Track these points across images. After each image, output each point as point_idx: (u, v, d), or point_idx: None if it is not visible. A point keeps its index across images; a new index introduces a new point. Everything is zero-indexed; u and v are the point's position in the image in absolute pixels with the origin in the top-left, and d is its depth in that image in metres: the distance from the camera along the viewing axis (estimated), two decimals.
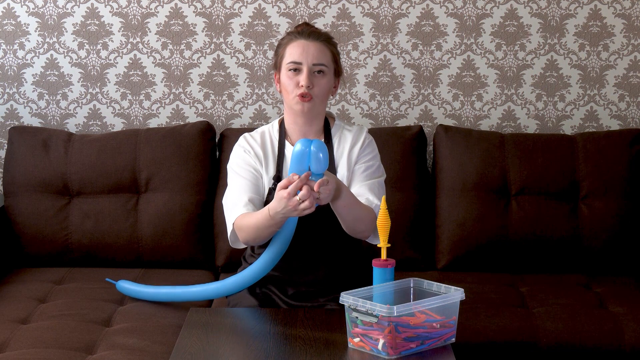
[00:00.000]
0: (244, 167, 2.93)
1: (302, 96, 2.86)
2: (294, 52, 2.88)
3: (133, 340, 2.91)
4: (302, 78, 2.86)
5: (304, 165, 2.62)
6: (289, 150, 2.94)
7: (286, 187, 2.61)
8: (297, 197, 2.60)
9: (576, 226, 3.65)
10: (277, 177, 2.90)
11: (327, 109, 2.99)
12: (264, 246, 2.93)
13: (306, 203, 2.60)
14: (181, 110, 3.93)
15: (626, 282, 3.56)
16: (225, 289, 2.90)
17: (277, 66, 2.94)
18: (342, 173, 2.91)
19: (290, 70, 2.88)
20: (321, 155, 2.61)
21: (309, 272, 2.91)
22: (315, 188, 2.60)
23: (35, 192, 3.68)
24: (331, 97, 2.99)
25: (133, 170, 3.69)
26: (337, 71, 2.94)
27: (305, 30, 2.92)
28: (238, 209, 2.85)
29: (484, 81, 3.93)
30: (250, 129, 3.45)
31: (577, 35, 3.90)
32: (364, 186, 2.88)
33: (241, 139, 2.98)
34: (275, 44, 3.88)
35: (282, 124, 2.98)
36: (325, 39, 2.92)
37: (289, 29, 3.86)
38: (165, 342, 2.88)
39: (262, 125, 3.77)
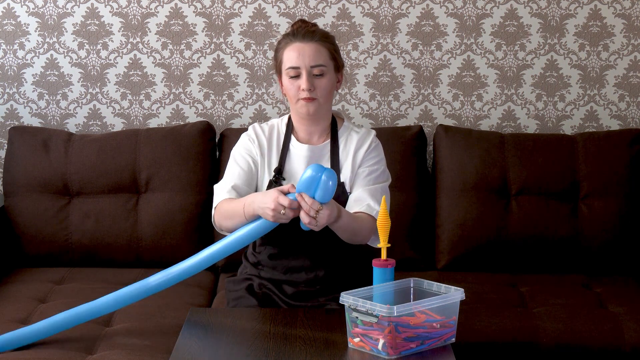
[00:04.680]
0: (243, 156, 2.94)
1: (305, 99, 2.86)
2: (291, 56, 2.87)
3: (133, 340, 2.91)
4: (302, 82, 2.85)
5: (311, 190, 2.60)
6: (293, 145, 2.94)
7: (285, 193, 2.63)
8: (283, 210, 2.61)
9: (576, 226, 3.65)
10: (278, 170, 2.91)
11: (333, 108, 2.99)
12: (263, 244, 2.93)
13: (284, 217, 2.61)
14: (181, 110, 3.93)
15: (626, 282, 3.56)
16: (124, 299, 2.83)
17: (278, 70, 2.94)
18: (345, 174, 2.91)
19: (290, 76, 2.87)
20: (331, 184, 2.59)
21: (309, 272, 2.91)
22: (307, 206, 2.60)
23: (35, 192, 3.68)
24: (336, 92, 2.98)
25: (133, 170, 3.69)
26: (338, 66, 2.93)
27: (300, 31, 2.90)
28: (222, 195, 2.88)
29: (484, 81, 3.93)
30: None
31: (577, 35, 3.90)
32: (365, 191, 2.88)
33: (250, 127, 3.00)
34: (276, 44, 3.88)
35: (291, 119, 2.99)
36: (321, 38, 2.90)
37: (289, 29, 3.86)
38: (165, 342, 2.88)
39: None
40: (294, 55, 2.87)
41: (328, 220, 2.65)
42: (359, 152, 2.93)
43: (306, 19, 3.84)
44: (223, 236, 2.84)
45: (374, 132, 2.99)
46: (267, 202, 2.64)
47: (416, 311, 2.42)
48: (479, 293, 3.37)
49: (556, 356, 3.09)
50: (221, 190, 2.91)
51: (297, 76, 2.87)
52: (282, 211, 2.62)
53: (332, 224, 2.72)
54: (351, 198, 2.89)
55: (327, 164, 2.92)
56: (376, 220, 2.81)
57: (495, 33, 3.90)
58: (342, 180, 2.91)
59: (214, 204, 2.92)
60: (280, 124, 3.00)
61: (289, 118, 3.00)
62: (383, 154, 2.98)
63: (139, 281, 2.85)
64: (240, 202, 2.77)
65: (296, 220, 2.70)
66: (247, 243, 2.74)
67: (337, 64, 2.92)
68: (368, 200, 2.86)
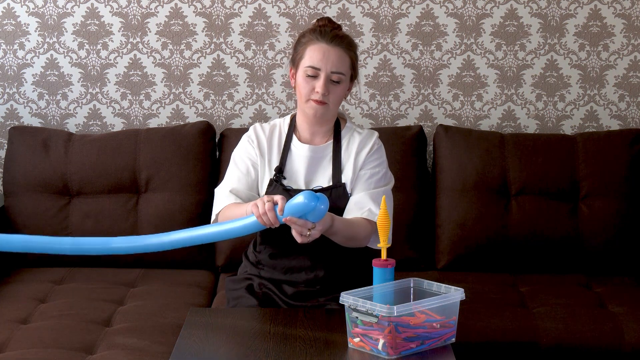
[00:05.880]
0: (243, 159, 2.94)
1: (316, 101, 2.85)
2: (313, 56, 2.84)
3: (133, 340, 2.92)
4: (319, 85, 2.83)
5: (304, 215, 2.60)
6: (295, 144, 2.94)
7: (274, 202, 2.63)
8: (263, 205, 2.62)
9: (576, 226, 3.65)
10: (279, 169, 2.91)
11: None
12: (264, 243, 2.93)
13: (268, 221, 2.62)
14: (181, 110, 3.93)
15: (626, 282, 3.56)
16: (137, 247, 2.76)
17: (294, 63, 2.90)
18: (347, 176, 2.91)
19: (307, 75, 2.85)
20: (324, 209, 2.58)
21: (309, 272, 2.91)
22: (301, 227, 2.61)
23: (35, 192, 3.68)
24: (344, 99, 2.97)
25: (133, 170, 3.69)
26: (353, 75, 2.92)
27: (328, 32, 2.86)
28: (223, 200, 2.88)
29: (484, 81, 3.93)
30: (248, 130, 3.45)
31: (577, 35, 3.90)
32: (366, 195, 2.87)
33: (251, 128, 2.99)
34: (276, 44, 3.88)
35: (293, 118, 2.98)
36: (347, 45, 2.87)
37: (289, 30, 3.87)
38: (165, 342, 2.88)
39: None
40: (317, 56, 2.84)
41: (320, 234, 2.66)
42: (360, 154, 2.92)
43: (307, 19, 3.85)
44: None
45: (376, 134, 2.97)
46: (257, 200, 2.65)
47: (416, 311, 2.42)
48: (479, 293, 3.37)
49: (556, 356, 3.09)
50: (221, 195, 2.91)
51: (314, 76, 2.84)
52: (262, 206, 2.61)
53: (326, 232, 2.73)
54: (351, 201, 2.88)
55: (329, 165, 2.92)
56: (376, 226, 2.82)
57: (495, 33, 3.90)
58: (343, 181, 2.91)
59: (215, 209, 2.92)
60: (283, 123, 2.99)
61: (292, 117, 2.99)
62: (385, 157, 2.97)
63: (133, 237, 2.81)
64: (243, 208, 2.78)
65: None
66: (243, 234, 2.72)
67: (354, 74, 2.91)
68: (369, 205, 2.85)
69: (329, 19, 2.92)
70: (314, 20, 2.95)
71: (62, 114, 3.92)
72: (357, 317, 2.43)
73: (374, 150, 2.93)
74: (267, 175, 2.93)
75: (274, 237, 2.86)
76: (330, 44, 2.85)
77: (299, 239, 2.63)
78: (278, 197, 2.62)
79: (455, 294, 2.50)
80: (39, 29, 3.87)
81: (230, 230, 2.69)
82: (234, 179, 2.93)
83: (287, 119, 3.00)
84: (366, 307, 2.39)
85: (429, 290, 2.57)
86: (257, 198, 2.91)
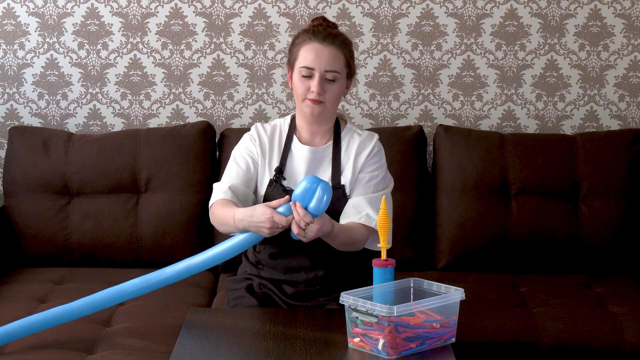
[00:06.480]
0: (243, 156, 2.95)
1: (312, 100, 2.85)
2: (307, 56, 2.85)
3: (133, 340, 2.92)
4: (314, 85, 2.83)
5: (305, 201, 2.62)
6: (295, 145, 2.94)
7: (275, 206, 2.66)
8: (279, 223, 2.65)
9: (576, 226, 3.65)
10: (279, 169, 2.91)
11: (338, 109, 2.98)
12: (264, 243, 2.93)
13: (276, 230, 2.67)
14: (181, 110, 3.93)
15: (626, 282, 3.56)
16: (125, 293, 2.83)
17: (290, 64, 2.91)
18: (347, 177, 2.91)
19: (302, 75, 2.85)
20: (325, 198, 2.61)
21: (309, 271, 2.91)
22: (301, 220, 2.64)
23: (35, 192, 3.68)
24: (343, 97, 2.97)
25: (133, 170, 3.69)
26: (350, 73, 2.92)
27: (321, 32, 2.86)
28: (218, 195, 2.89)
29: (484, 81, 3.93)
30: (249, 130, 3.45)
31: (577, 35, 3.90)
32: (365, 199, 2.87)
33: (252, 127, 3.00)
34: (276, 44, 3.88)
35: (293, 119, 2.98)
36: (340, 43, 2.87)
37: (289, 30, 3.87)
38: (165, 342, 2.88)
39: None
40: (310, 55, 2.84)
41: (317, 234, 2.67)
42: (360, 156, 2.92)
43: (307, 19, 3.85)
44: (222, 236, 2.85)
45: (376, 136, 2.97)
46: (262, 222, 2.67)
47: (416, 311, 2.42)
48: (479, 293, 3.37)
49: (556, 356, 3.09)
50: (218, 190, 2.92)
51: (309, 76, 2.85)
52: (278, 227, 2.66)
53: (324, 236, 2.74)
54: (349, 204, 2.88)
55: (329, 166, 2.92)
56: (373, 231, 2.83)
57: (495, 33, 3.90)
58: (342, 183, 2.91)
59: (210, 202, 2.93)
60: (283, 123, 2.99)
61: (292, 118, 2.99)
62: (385, 159, 2.97)
63: (135, 279, 2.84)
64: (231, 214, 2.78)
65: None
66: (241, 251, 2.76)
67: (350, 71, 2.91)
68: (367, 210, 2.85)
69: (323, 18, 2.93)
70: (310, 21, 2.96)
71: (62, 114, 3.92)
72: (357, 317, 2.43)
73: (374, 153, 2.93)
74: (267, 176, 2.93)
75: (273, 236, 2.86)
76: (322, 43, 2.85)
77: (295, 230, 2.64)
78: (273, 203, 2.68)
79: (455, 294, 2.50)
80: (39, 29, 3.87)
81: (237, 245, 2.73)
82: (233, 174, 2.93)
83: (287, 119, 3.00)
84: (366, 307, 2.39)
85: (429, 290, 2.57)
86: (253, 196, 2.92)
